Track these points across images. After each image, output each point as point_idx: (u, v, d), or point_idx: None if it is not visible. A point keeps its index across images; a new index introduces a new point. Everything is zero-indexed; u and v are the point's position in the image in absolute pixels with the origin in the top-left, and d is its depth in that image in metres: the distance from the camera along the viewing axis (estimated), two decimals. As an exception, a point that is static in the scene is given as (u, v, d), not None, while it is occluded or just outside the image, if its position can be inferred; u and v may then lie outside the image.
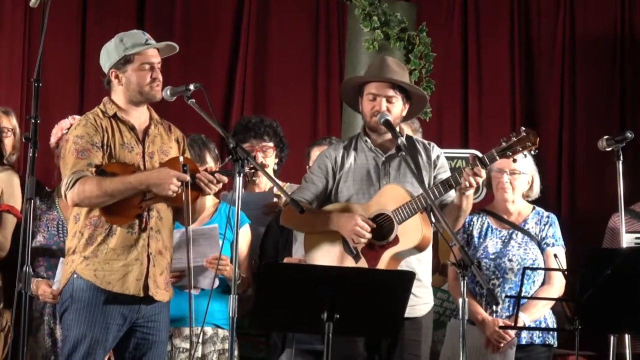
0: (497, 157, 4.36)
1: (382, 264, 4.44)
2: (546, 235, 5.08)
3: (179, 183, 4.31)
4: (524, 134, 4.33)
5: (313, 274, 4.05)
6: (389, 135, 4.58)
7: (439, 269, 5.58)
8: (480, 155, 4.40)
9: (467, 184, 4.34)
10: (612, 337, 4.80)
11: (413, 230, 4.41)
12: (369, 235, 4.45)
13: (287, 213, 4.65)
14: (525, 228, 5.10)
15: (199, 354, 4.82)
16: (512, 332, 4.90)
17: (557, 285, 4.98)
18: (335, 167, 4.67)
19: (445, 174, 4.63)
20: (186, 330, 4.84)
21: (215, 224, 4.89)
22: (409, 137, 4.67)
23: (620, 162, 4.95)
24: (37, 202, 5.04)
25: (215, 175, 4.40)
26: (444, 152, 4.79)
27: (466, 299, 4.09)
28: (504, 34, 7.48)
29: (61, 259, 4.72)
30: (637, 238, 5.60)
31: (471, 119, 7.51)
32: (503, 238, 5.10)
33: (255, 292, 4.01)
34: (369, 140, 4.68)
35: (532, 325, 4.97)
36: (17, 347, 4.08)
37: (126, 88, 4.44)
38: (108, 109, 4.46)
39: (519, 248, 5.05)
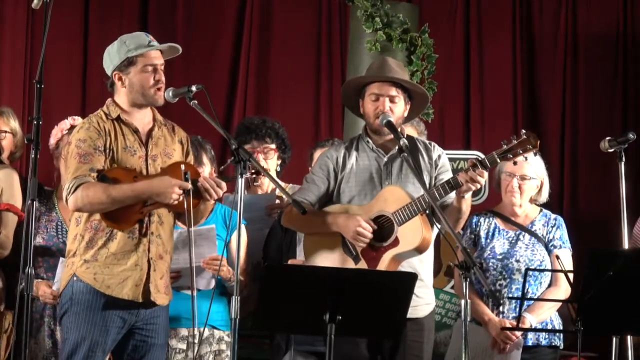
0: (498, 160, 4.36)
1: (383, 265, 4.44)
2: (553, 237, 5.08)
3: (181, 192, 4.31)
4: (525, 136, 4.33)
5: (315, 276, 4.04)
6: (390, 136, 4.58)
7: (441, 270, 5.57)
8: (481, 157, 4.40)
9: (468, 187, 4.34)
10: (614, 339, 4.79)
11: (413, 232, 4.41)
12: (371, 236, 4.45)
13: (289, 214, 4.65)
14: (533, 230, 5.09)
15: (195, 355, 4.81)
16: (518, 333, 4.90)
17: (564, 287, 4.95)
18: (336, 168, 4.66)
19: (446, 173, 4.62)
20: (182, 331, 4.83)
21: (212, 224, 4.89)
22: (410, 137, 4.66)
23: (623, 163, 4.95)
24: (37, 203, 5.02)
25: (216, 180, 4.39)
26: (447, 154, 4.78)
27: (468, 300, 4.09)
28: (506, 34, 7.47)
29: (61, 259, 4.72)
30: None
31: (473, 120, 7.50)
32: (510, 239, 5.09)
33: (259, 293, 4.00)
34: (370, 141, 4.67)
35: (539, 326, 4.97)
36: (18, 348, 4.08)
37: (129, 90, 4.43)
38: (111, 111, 4.44)
39: (527, 249, 5.05)
